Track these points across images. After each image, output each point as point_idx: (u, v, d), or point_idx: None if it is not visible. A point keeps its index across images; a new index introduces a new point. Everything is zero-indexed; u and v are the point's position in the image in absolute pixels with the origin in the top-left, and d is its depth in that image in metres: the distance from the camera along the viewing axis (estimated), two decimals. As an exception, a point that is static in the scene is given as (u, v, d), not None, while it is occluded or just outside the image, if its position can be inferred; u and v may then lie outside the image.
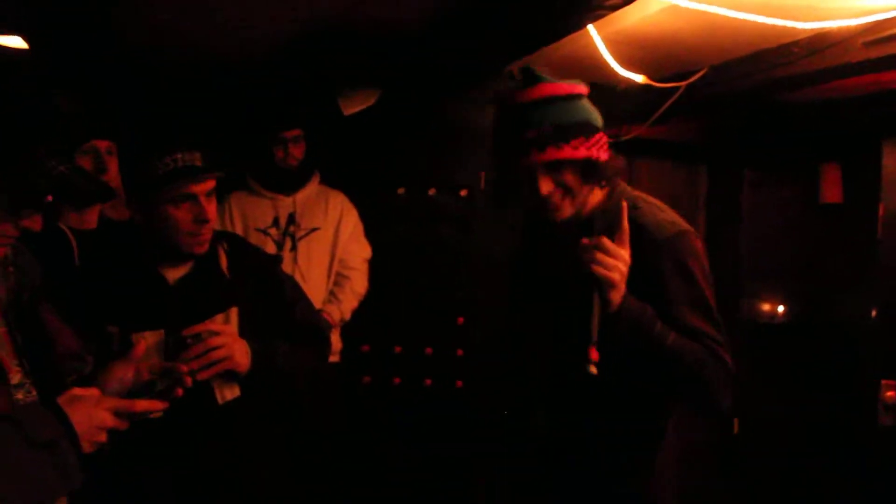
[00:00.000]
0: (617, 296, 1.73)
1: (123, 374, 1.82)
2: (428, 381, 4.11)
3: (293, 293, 2.29)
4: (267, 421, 2.23)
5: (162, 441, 1.97)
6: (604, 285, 1.72)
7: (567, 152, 1.80)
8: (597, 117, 1.90)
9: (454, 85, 3.97)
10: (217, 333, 1.98)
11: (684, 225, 1.87)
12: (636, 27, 3.03)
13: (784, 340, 4.51)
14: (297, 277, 3.55)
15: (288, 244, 3.61)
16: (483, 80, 3.97)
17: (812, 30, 2.93)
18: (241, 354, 2.02)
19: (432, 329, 4.10)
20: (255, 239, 3.59)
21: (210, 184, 2.05)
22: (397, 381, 4.10)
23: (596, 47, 3.26)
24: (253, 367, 2.05)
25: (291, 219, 3.64)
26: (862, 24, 2.78)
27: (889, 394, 3.89)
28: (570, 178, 1.85)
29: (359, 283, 3.76)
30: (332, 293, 3.69)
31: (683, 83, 3.52)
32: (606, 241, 1.74)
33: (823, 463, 4.31)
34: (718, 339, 1.78)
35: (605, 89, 3.82)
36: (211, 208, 2.07)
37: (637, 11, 2.83)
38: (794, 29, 2.91)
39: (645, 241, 1.80)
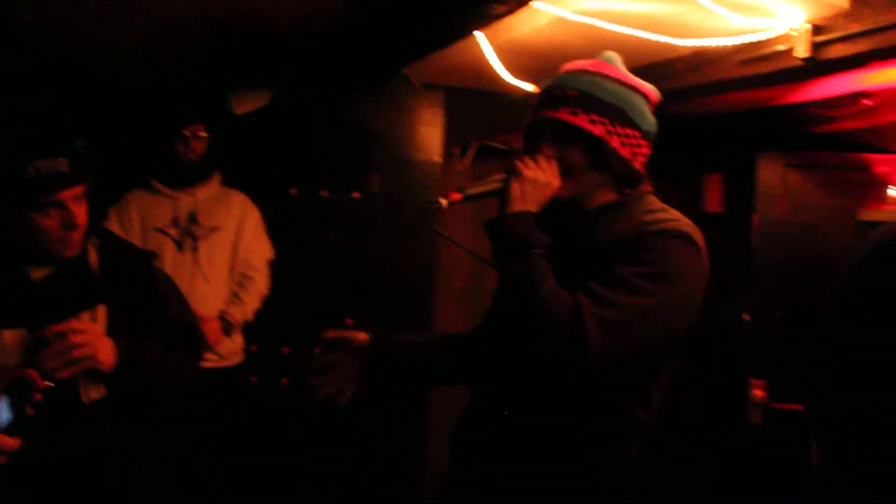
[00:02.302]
0: (516, 203, 1.59)
1: None
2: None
3: (167, 291, 2.24)
4: (142, 423, 2.17)
5: (26, 441, 1.89)
6: (513, 177, 1.61)
7: (581, 120, 1.64)
8: (645, 119, 1.71)
9: (349, 86, 3.96)
10: (80, 331, 1.92)
11: (680, 229, 1.61)
12: (526, 38, 3.09)
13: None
14: (199, 277, 3.48)
15: (188, 244, 3.54)
16: (378, 82, 3.99)
17: (692, 47, 3.05)
18: (105, 353, 1.95)
19: (321, 330, 4.06)
20: (153, 239, 3.50)
21: (79, 188, 1.98)
22: (285, 381, 4.06)
23: (487, 56, 3.31)
24: (119, 366, 1.99)
25: (192, 217, 3.56)
26: (737, 44, 2.90)
27: (757, 392, 4.09)
28: (576, 155, 1.67)
29: (262, 284, 3.72)
30: (234, 294, 3.63)
31: (572, 93, 3.61)
32: (541, 158, 1.63)
33: (699, 461, 4.48)
34: (604, 315, 1.50)
35: (498, 98, 3.89)
36: (80, 212, 1.99)
37: (526, 23, 2.88)
38: (676, 45, 3.02)
39: (639, 222, 1.63)
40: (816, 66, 2.77)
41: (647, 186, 1.74)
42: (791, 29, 2.74)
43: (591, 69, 1.72)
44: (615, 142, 1.66)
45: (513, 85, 3.57)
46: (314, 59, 3.58)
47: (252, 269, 3.68)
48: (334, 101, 4.08)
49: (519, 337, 1.56)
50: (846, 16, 2.59)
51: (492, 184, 1.65)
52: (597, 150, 1.66)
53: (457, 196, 1.63)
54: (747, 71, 3.00)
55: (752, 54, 2.92)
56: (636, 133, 1.69)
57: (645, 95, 1.74)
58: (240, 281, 3.65)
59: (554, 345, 1.49)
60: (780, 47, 2.79)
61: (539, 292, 1.51)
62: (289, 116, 4.04)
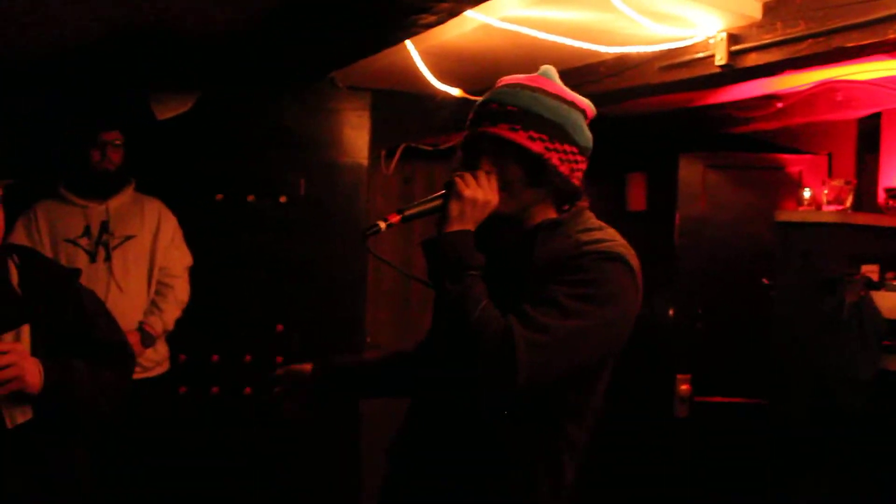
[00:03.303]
0: (454, 222, 1.59)
1: None
2: (248, 390, 4.03)
3: (93, 309, 2.18)
4: (69, 444, 2.12)
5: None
6: (451, 196, 1.60)
7: (520, 136, 1.63)
8: (583, 135, 1.71)
9: (276, 90, 3.92)
10: (4, 352, 1.86)
11: (615, 251, 1.60)
12: (453, 43, 3.11)
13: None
14: (114, 288, 3.39)
15: (101, 254, 3.43)
16: (305, 85, 3.95)
17: (615, 54, 3.11)
18: (31, 374, 1.90)
19: (251, 337, 4.03)
20: (64, 251, 3.38)
21: None
22: (215, 390, 4.01)
23: (414, 59, 3.33)
24: (46, 387, 1.94)
25: (104, 227, 3.46)
26: (657, 51, 2.98)
27: (683, 387, 4.22)
28: (514, 171, 1.65)
29: (181, 292, 3.64)
30: (153, 303, 3.54)
31: (499, 96, 3.65)
32: (480, 175, 1.62)
33: (627, 454, 4.59)
34: (534, 338, 1.49)
35: (425, 100, 3.91)
36: None
37: (453, 29, 2.90)
38: (599, 51, 3.09)
39: (575, 242, 1.62)
40: (733, 74, 2.87)
41: (583, 202, 1.74)
42: (709, 38, 2.83)
43: (530, 84, 1.70)
44: (554, 158, 1.65)
45: (438, 88, 3.59)
46: (238, 62, 3.53)
47: (170, 276, 3.60)
48: (259, 103, 4.03)
49: (452, 358, 1.57)
50: (759, 26, 2.69)
51: (430, 202, 1.63)
52: (535, 167, 1.65)
53: (395, 218, 1.61)
54: (668, 77, 3.08)
55: (672, 61, 3.00)
56: (574, 149, 1.69)
57: (583, 111, 1.74)
58: (158, 290, 3.56)
59: (483, 367, 1.49)
60: (700, 55, 2.88)
61: (471, 315, 1.51)
62: (213, 120, 3.97)
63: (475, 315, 1.51)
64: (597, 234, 1.64)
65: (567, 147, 1.67)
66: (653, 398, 4.40)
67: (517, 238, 1.69)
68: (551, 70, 1.76)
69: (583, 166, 1.72)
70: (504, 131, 1.64)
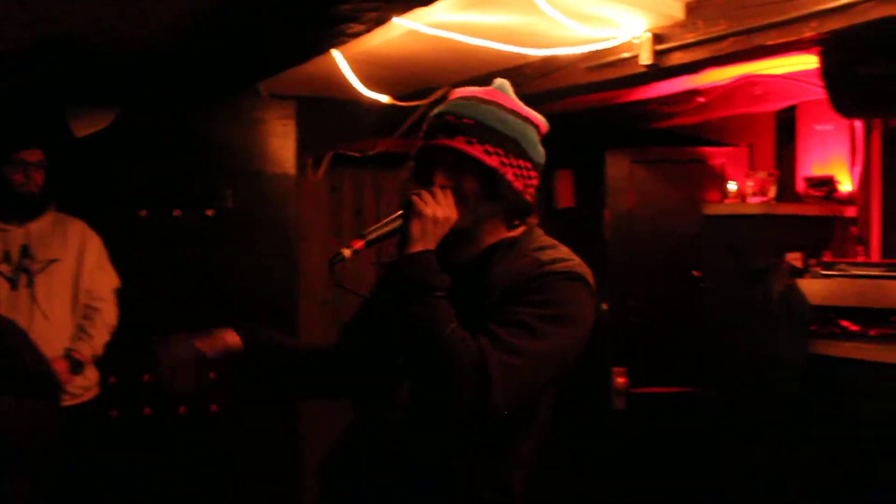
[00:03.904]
0: (416, 243, 1.56)
1: None
2: (182, 409, 3.93)
3: (18, 342, 2.10)
4: (12, 476, 2.03)
5: None
6: (412, 216, 1.57)
7: (476, 150, 1.61)
8: (536, 150, 1.70)
9: (199, 102, 3.82)
10: None
11: (576, 271, 1.61)
12: (379, 49, 3.09)
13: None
14: (38, 315, 3.24)
15: (23, 280, 3.28)
16: (229, 97, 3.87)
17: (541, 56, 3.13)
18: None
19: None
20: (-17, 278, 3.24)
21: None
22: (147, 411, 3.89)
23: (340, 66, 3.29)
24: None
25: (25, 251, 3.31)
26: (583, 52, 3.01)
27: (619, 380, 4.28)
28: (470, 185, 1.63)
29: (110, 315, 3.50)
30: (81, 328, 3.40)
31: (425, 101, 3.64)
32: (437, 191, 1.60)
33: (568, 447, 4.64)
34: (508, 361, 1.48)
35: (351, 105, 3.86)
36: None
37: (380, 35, 2.88)
38: (525, 54, 3.10)
39: (534, 260, 1.61)
40: (658, 72, 2.92)
41: (533, 218, 1.73)
42: (633, 38, 2.87)
43: (486, 98, 1.68)
44: (509, 174, 1.64)
45: (366, 95, 3.56)
46: (158, 75, 3.43)
47: (97, 299, 3.47)
48: (182, 116, 3.92)
49: (420, 380, 1.55)
50: (682, 26, 2.75)
51: (391, 223, 1.61)
52: (491, 181, 1.64)
53: (359, 244, 1.57)
54: (594, 77, 3.12)
55: (598, 61, 3.04)
56: (528, 165, 1.68)
57: (536, 126, 1.73)
58: (85, 314, 3.43)
59: (458, 391, 1.47)
60: (626, 55, 2.92)
61: (440, 338, 1.49)
62: (135, 135, 3.85)
63: (445, 338, 1.49)
64: (554, 253, 1.64)
65: (521, 162, 1.66)
66: (590, 392, 4.45)
67: (473, 256, 1.68)
68: (506, 84, 1.75)
69: (535, 182, 1.71)
70: (461, 144, 1.62)
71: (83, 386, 3.41)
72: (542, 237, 1.72)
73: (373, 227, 1.60)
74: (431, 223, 1.57)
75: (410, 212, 1.58)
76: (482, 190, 1.64)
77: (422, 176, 1.66)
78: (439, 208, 1.59)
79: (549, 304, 1.56)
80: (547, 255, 1.63)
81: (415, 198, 1.58)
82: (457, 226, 1.63)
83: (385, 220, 1.61)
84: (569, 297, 1.59)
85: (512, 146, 1.65)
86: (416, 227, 1.57)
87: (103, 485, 3.54)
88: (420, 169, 1.68)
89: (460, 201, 1.63)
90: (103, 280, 3.52)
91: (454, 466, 1.63)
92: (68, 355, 3.30)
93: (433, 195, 1.60)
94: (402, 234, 1.58)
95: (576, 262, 1.64)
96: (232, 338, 1.86)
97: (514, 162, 1.65)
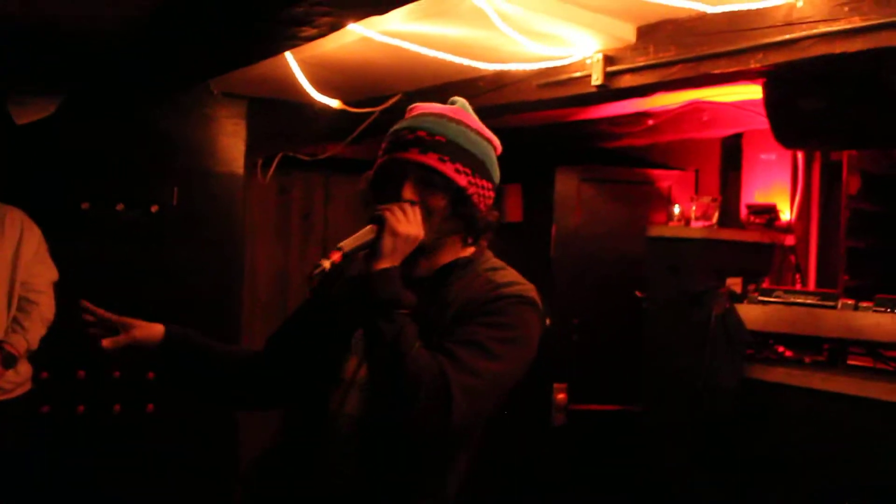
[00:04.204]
0: (385, 259, 1.58)
1: None
2: (117, 407, 3.86)
3: None
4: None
5: None
6: (385, 232, 1.58)
7: (448, 168, 1.64)
8: (496, 173, 1.74)
9: (148, 96, 3.76)
10: None
11: (530, 296, 1.67)
12: (333, 54, 3.08)
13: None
14: None
15: None
16: (178, 92, 3.81)
17: (494, 70, 3.15)
18: None
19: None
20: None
21: None
22: (81, 409, 3.81)
23: (292, 69, 3.27)
24: None
25: None
26: (536, 69, 3.03)
27: (559, 396, 4.31)
28: (438, 202, 1.65)
29: (46, 309, 3.41)
30: (15, 320, 3.31)
31: (378, 108, 3.64)
32: (408, 207, 1.61)
33: (506, 462, 4.65)
34: (467, 382, 1.52)
35: (302, 109, 3.84)
36: None
37: (334, 40, 2.87)
38: (479, 67, 3.11)
39: (488, 281, 1.66)
40: (608, 93, 2.96)
41: (484, 240, 1.77)
42: (585, 58, 2.90)
43: (454, 116, 1.71)
44: (475, 194, 1.68)
45: (316, 98, 3.55)
46: (106, 65, 3.37)
47: (34, 292, 3.38)
48: (130, 108, 3.86)
49: (383, 395, 1.56)
50: (633, 49, 2.79)
51: (364, 237, 1.61)
52: (458, 200, 1.66)
53: (337, 255, 1.57)
54: (545, 94, 3.15)
55: (549, 79, 3.07)
56: (489, 185, 1.72)
57: (494, 147, 1.77)
58: (20, 306, 3.34)
59: (420, 409, 1.49)
60: (577, 74, 2.95)
61: (407, 355, 1.50)
62: (80, 124, 3.77)
63: (410, 356, 1.51)
64: (508, 276, 1.69)
65: (484, 182, 1.70)
66: (530, 407, 4.47)
67: (430, 272, 1.71)
68: (466, 104, 1.78)
69: (491, 203, 1.75)
70: (434, 161, 1.63)
71: (15, 381, 3.32)
72: (492, 258, 1.77)
73: (348, 241, 1.60)
74: (403, 241, 1.59)
75: (384, 228, 1.58)
76: (449, 208, 1.66)
77: (387, 189, 1.66)
78: (411, 227, 1.60)
79: (503, 327, 1.60)
80: (500, 277, 1.68)
81: (388, 214, 1.59)
82: (421, 242, 1.64)
83: (358, 234, 1.61)
84: (521, 321, 1.63)
85: (479, 166, 1.68)
86: (388, 244, 1.58)
87: (32, 483, 3.45)
88: (385, 182, 1.68)
89: (426, 217, 1.64)
90: (41, 272, 3.43)
91: (396, 479, 1.64)
92: (1, 348, 3.22)
93: (404, 212, 1.61)
94: (372, 249, 1.59)
95: (527, 287, 1.69)
96: (155, 331, 1.87)
97: (479, 182, 1.68)
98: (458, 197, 1.66)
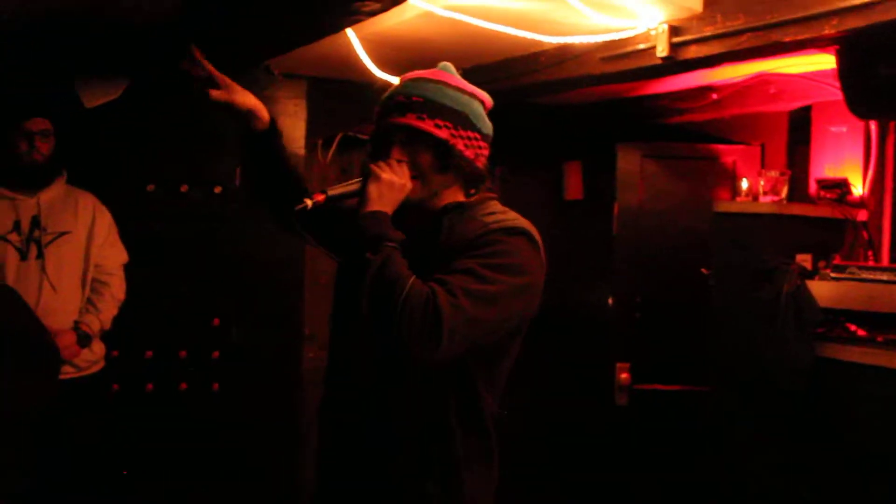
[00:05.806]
0: (373, 203, 1.69)
1: None
2: (183, 385, 3.93)
3: (15, 310, 2.09)
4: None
5: None
6: (370, 179, 1.71)
7: (427, 125, 1.75)
8: (484, 123, 1.85)
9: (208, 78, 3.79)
10: None
11: (518, 225, 1.76)
12: (393, 30, 3.06)
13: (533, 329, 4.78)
14: (46, 287, 3.23)
15: (33, 251, 3.27)
16: (239, 73, 3.83)
17: (556, 44, 3.10)
18: None
19: (186, 331, 3.93)
20: (-7, 247, 3.23)
21: None
22: (150, 387, 3.89)
23: (353, 46, 3.26)
24: None
25: (36, 222, 3.30)
26: (599, 42, 2.98)
27: (623, 375, 4.26)
28: (424, 158, 1.77)
29: (118, 290, 3.51)
30: (89, 301, 3.40)
31: (439, 85, 3.61)
32: (393, 162, 1.74)
33: (569, 441, 4.63)
34: (457, 302, 1.59)
35: (362, 88, 3.84)
36: None
37: (394, 16, 2.86)
38: (541, 41, 3.07)
39: (482, 224, 1.76)
40: (674, 65, 2.88)
41: (490, 192, 1.88)
42: (650, 29, 2.83)
43: (433, 77, 1.82)
44: (459, 144, 1.78)
45: (377, 76, 3.53)
46: (170, 48, 3.40)
47: (106, 274, 3.47)
48: (190, 90, 3.90)
49: (378, 322, 1.62)
50: (700, 19, 2.71)
51: (351, 185, 1.75)
52: (443, 153, 1.78)
53: (320, 197, 1.70)
54: (609, 68, 3.09)
55: (613, 52, 3.01)
56: (477, 136, 1.82)
57: (482, 101, 1.87)
58: (94, 287, 3.43)
59: (411, 329, 1.56)
60: (642, 46, 2.89)
61: (395, 283, 1.59)
62: (145, 108, 3.83)
63: (400, 284, 1.59)
64: (500, 216, 1.79)
65: (470, 133, 1.81)
66: (593, 387, 4.43)
67: (425, 220, 1.80)
68: (450, 66, 1.89)
69: (486, 152, 1.86)
70: (412, 120, 1.75)
71: (89, 360, 3.41)
72: (496, 206, 1.86)
73: (335, 186, 1.74)
74: (387, 187, 1.71)
75: (369, 176, 1.72)
76: (436, 162, 1.78)
77: (379, 155, 1.79)
78: (395, 175, 1.73)
79: (492, 255, 1.69)
80: (492, 218, 1.78)
81: (372, 165, 1.73)
82: (414, 197, 1.77)
83: (346, 182, 1.76)
84: (511, 249, 1.72)
85: (460, 119, 1.79)
86: (373, 190, 1.70)
87: (102, 459, 3.54)
88: (377, 149, 1.81)
89: (418, 175, 1.78)
90: (112, 255, 3.52)
91: (425, 414, 1.76)
92: (77, 328, 3.30)
93: (390, 166, 1.74)
94: (360, 196, 1.71)
95: (520, 220, 1.79)
96: (255, 104, 2.04)
97: (464, 133, 1.80)
98: (443, 150, 1.77)
